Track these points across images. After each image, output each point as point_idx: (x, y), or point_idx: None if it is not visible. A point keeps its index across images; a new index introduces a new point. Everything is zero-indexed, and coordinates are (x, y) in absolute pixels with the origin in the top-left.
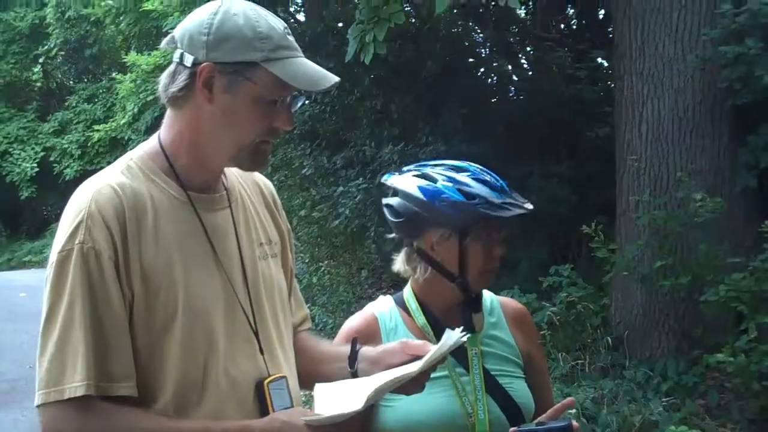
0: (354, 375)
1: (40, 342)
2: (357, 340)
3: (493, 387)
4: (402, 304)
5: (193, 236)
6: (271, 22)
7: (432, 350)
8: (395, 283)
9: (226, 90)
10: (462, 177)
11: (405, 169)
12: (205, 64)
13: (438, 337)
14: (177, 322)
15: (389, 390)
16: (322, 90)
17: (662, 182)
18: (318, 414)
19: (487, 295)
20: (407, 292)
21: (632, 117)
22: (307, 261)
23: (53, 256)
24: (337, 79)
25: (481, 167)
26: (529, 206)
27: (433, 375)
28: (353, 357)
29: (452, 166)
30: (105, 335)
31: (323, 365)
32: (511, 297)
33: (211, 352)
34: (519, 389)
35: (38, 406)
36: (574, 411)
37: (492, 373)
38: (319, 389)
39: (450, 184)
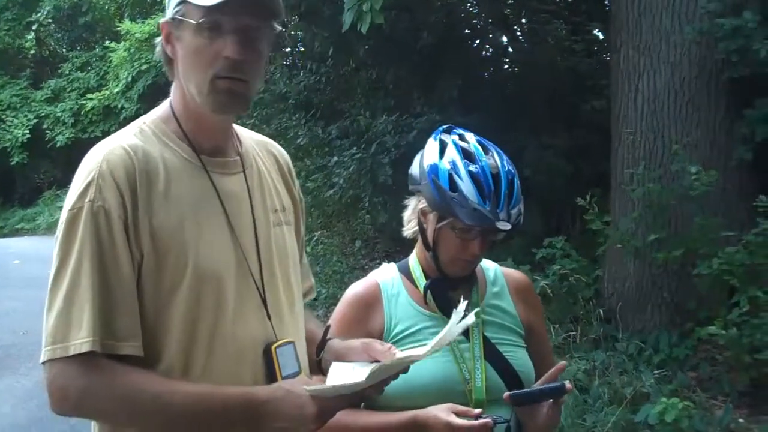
0: (318, 363)
1: (48, 299)
2: (329, 329)
3: (492, 355)
4: (406, 272)
5: (205, 199)
6: None
7: (441, 333)
8: (388, 254)
9: (177, 38)
10: (463, 165)
11: (456, 131)
12: (161, 22)
13: (438, 303)
14: (186, 283)
15: (396, 370)
16: (231, 5)
17: (657, 155)
18: (322, 385)
19: (491, 266)
20: (412, 259)
21: (628, 90)
22: None
23: (63, 214)
24: None
25: (502, 165)
26: (503, 227)
27: None
28: (321, 346)
29: (468, 152)
30: (112, 294)
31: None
32: (521, 272)
33: (220, 315)
34: (519, 358)
35: (43, 363)
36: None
37: (492, 341)
38: (335, 367)
39: (448, 167)
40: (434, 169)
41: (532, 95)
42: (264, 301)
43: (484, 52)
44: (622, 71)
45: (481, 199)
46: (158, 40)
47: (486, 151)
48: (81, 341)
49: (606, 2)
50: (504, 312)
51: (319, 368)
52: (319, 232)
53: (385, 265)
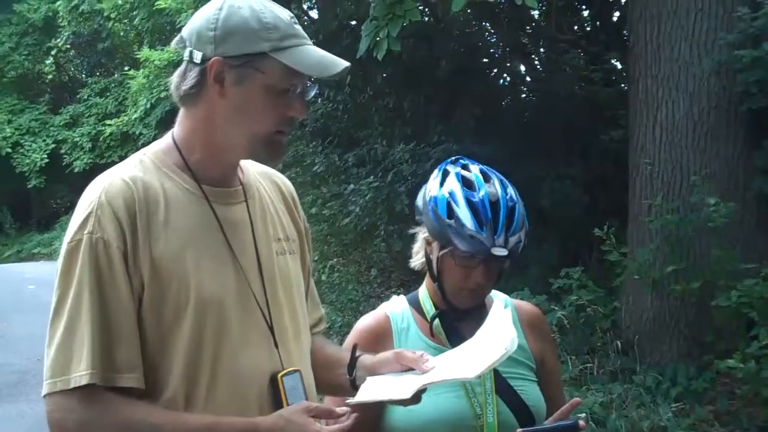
0: (353, 383)
1: (49, 332)
2: (357, 347)
3: (504, 389)
4: (416, 304)
5: (206, 229)
6: (277, 12)
7: (491, 359)
8: (404, 282)
9: (236, 83)
10: (461, 193)
11: (466, 161)
12: (214, 59)
13: (447, 335)
14: (188, 313)
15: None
16: (332, 76)
17: (675, 186)
18: (361, 398)
19: (502, 298)
20: (422, 291)
21: (646, 120)
22: (316, 259)
23: (63, 246)
24: (347, 63)
25: (495, 195)
26: (499, 252)
27: None
28: (352, 364)
29: (469, 180)
30: (112, 326)
31: (326, 369)
32: (521, 299)
33: (223, 344)
34: (531, 392)
35: (45, 396)
36: (583, 415)
37: (504, 375)
38: (369, 381)
39: (446, 196)
40: (434, 198)
41: (550, 125)
42: (271, 329)
43: (501, 81)
44: (640, 101)
45: (477, 225)
46: (182, 68)
47: (487, 179)
48: (81, 374)
49: (624, 32)
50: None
51: (354, 387)
52: (335, 260)
53: (395, 297)
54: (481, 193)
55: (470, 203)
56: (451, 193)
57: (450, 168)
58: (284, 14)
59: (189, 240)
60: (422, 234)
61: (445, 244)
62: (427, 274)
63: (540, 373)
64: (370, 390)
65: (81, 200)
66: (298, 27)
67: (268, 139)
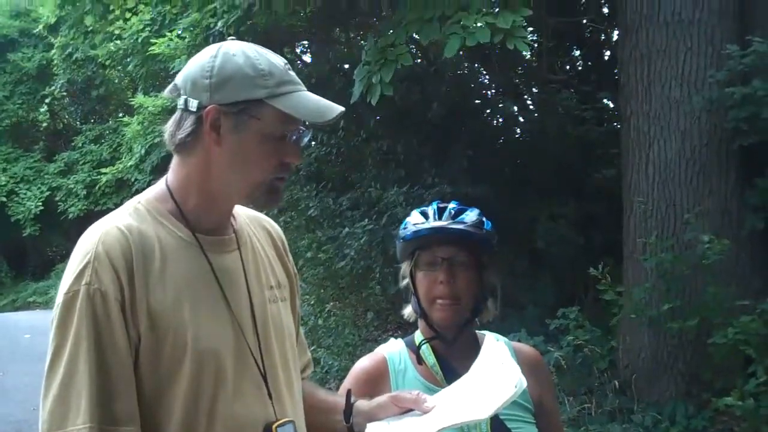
0: (350, 429)
1: (44, 383)
2: (351, 393)
3: (500, 431)
4: (412, 346)
5: (201, 278)
6: (271, 58)
7: (502, 398)
8: (401, 326)
9: (233, 130)
10: (415, 210)
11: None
12: (210, 106)
13: (448, 378)
14: (185, 364)
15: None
16: (328, 121)
17: (669, 224)
18: None
19: (501, 338)
20: (417, 334)
21: (639, 158)
22: (312, 303)
23: (59, 297)
24: (342, 108)
25: (445, 204)
26: (442, 224)
27: None
28: (348, 411)
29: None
30: (110, 378)
31: (321, 415)
32: (518, 340)
33: (219, 395)
34: None
35: None
36: None
37: (501, 417)
38: (371, 427)
39: (406, 219)
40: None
41: (543, 165)
42: (264, 379)
43: (494, 122)
44: (632, 140)
45: (424, 217)
46: (176, 116)
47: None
48: (79, 428)
49: (615, 71)
50: None
51: None
52: (331, 304)
53: (392, 340)
54: (433, 205)
55: (420, 211)
56: (409, 216)
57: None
58: (278, 61)
59: (185, 290)
60: (405, 277)
61: (407, 254)
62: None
63: (538, 414)
64: None
65: (76, 250)
66: (292, 73)
67: (268, 185)
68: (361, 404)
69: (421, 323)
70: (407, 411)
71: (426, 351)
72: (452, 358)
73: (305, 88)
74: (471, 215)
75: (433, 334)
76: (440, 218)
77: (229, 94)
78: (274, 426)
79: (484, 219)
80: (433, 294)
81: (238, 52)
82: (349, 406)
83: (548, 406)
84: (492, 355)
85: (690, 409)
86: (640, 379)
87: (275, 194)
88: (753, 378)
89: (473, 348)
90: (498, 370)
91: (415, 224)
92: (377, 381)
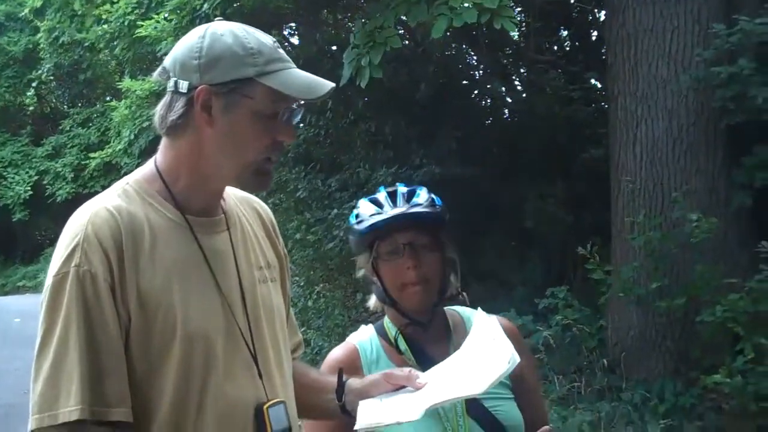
0: (342, 407)
1: (35, 366)
2: (342, 371)
3: (476, 410)
4: (383, 333)
5: (191, 259)
6: (260, 37)
7: (496, 372)
8: None
9: (225, 110)
10: (363, 200)
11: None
12: (200, 87)
13: (420, 361)
14: (175, 345)
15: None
16: (320, 97)
17: (657, 203)
18: (365, 423)
19: (471, 314)
20: (386, 319)
21: (626, 138)
22: (302, 284)
23: (49, 279)
24: (332, 84)
25: (395, 186)
26: (400, 211)
27: None
28: (340, 389)
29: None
30: (100, 359)
31: (313, 395)
32: (508, 319)
33: (209, 376)
34: (506, 411)
35: (32, 431)
36: None
37: (477, 398)
38: (364, 404)
39: (355, 210)
40: (348, 221)
41: (531, 145)
42: (255, 359)
43: (482, 103)
44: (619, 120)
45: (377, 207)
46: (166, 99)
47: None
48: (70, 409)
49: (602, 51)
50: None
51: (344, 412)
52: (320, 285)
53: (363, 327)
54: (382, 191)
55: (370, 199)
56: (357, 206)
57: None
58: (267, 39)
59: (174, 272)
60: (362, 263)
61: (368, 247)
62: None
63: (519, 390)
64: (371, 413)
65: (65, 231)
66: (282, 51)
67: (258, 166)
68: (353, 382)
69: (390, 312)
70: (400, 388)
71: (397, 336)
72: (425, 342)
73: (295, 66)
74: (422, 195)
75: (407, 321)
76: (395, 204)
77: (219, 73)
78: (265, 407)
79: (433, 196)
80: (402, 281)
81: (226, 31)
82: (341, 385)
83: (529, 380)
84: (484, 330)
85: (678, 387)
86: (628, 358)
87: (265, 176)
88: (741, 355)
89: (444, 328)
90: (491, 346)
91: (371, 215)
92: (350, 371)
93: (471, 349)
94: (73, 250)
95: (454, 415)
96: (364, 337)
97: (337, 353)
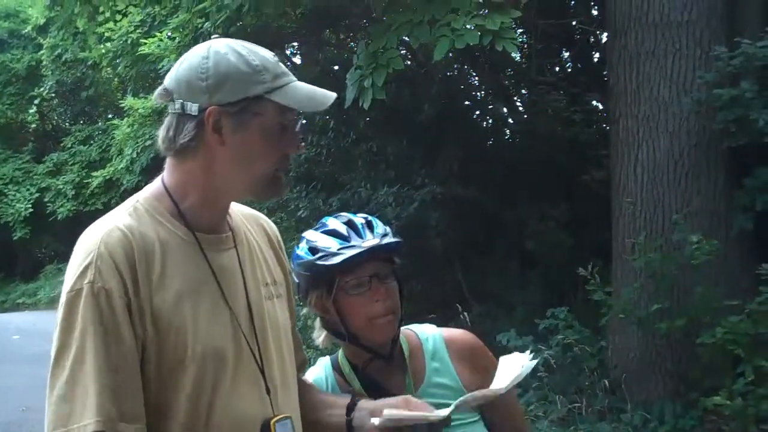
0: (349, 423)
1: (49, 382)
2: (355, 392)
3: None
4: (338, 367)
5: (201, 277)
6: (261, 53)
7: (515, 373)
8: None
9: (235, 129)
10: (314, 233)
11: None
12: (210, 108)
13: (377, 398)
14: (186, 363)
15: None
16: (324, 108)
17: (658, 225)
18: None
19: (431, 333)
20: (340, 354)
21: (627, 159)
22: (302, 304)
23: (63, 296)
24: (334, 95)
25: (346, 217)
26: (373, 243)
27: None
28: (351, 406)
29: (324, 222)
30: (116, 375)
31: (316, 412)
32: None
33: (218, 393)
34: None
35: None
36: None
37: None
38: (388, 412)
39: (304, 244)
40: (295, 257)
41: (533, 166)
42: (263, 375)
43: (484, 124)
44: (621, 141)
45: (340, 239)
46: (171, 121)
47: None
48: (85, 423)
49: (604, 73)
50: (447, 389)
51: (350, 428)
52: None
53: (320, 359)
54: (330, 222)
55: (326, 232)
56: (306, 240)
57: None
58: (268, 54)
59: (185, 290)
60: (310, 308)
61: (329, 285)
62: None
63: (487, 405)
64: (395, 412)
65: (78, 249)
66: (282, 65)
67: (270, 178)
68: (365, 402)
69: (349, 348)
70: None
71: (350, 374)
72: (381, 375)
73: (296, 79)
74: (380, 225)
75: (369, 355)
76: (360, 236)
77: (228, 93)
78: (272, 422)
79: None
80: (370, 314)
81: (227, 50)
82: (353, 401)
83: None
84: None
85: (678, 409)
86: (629, 379)
87: (278, 185)
88: (741, 377)
89: (401, 356)
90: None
91: (340, 249)
92: None
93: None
94: (87, 268)
95: None
96: (319, 373)
97: None
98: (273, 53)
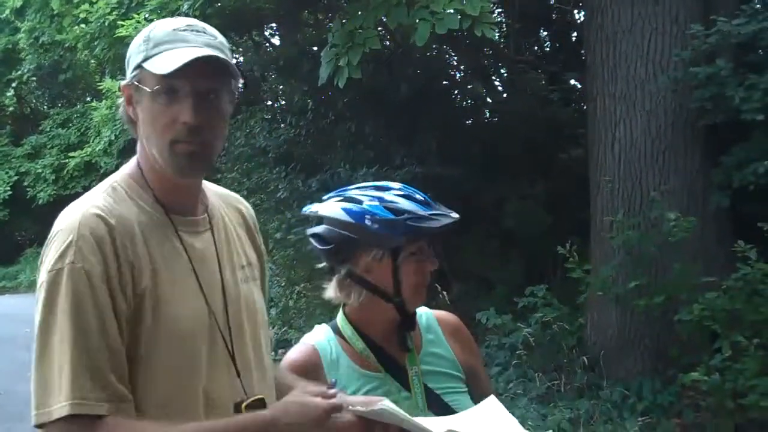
0: None
1: (33, 361)
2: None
3: (437, 405)
4: (339, 332)
5: (176, 260)
6: (168, 24)
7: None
8: None
9: (137, 101)
10: (388, 195)
11: (327, 196)
12: (122, 85)
13: (380, 360)
14: (160, 346)
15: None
16: (181, 65)
17: (635, 202)
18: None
19: (422, 311)
20: (340, 319)
21: (605, 138)
22: (283, 284)
23: (42, 276)
24: (205, 52)
25: (403, 185)
26: (455, 215)
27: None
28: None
29: (375, 186)
30: (94, 355)
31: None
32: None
33: (191, 376)
34: (464, 405)
35: (37, 426)
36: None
37: (436, 391)
38: (387, 402)
39: (377, 203)
40: (364, 212)
41: (512, 145)
42: (233, 358)
43: (463, 103)
44: (598, 120)
45: (422, 206)
46: (120, 101)
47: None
48: (61, 405)
49: (582, 52)
50: (442, 358)
51: None
52: (302, 285)
53: (317, 327)
54: (390, 193)
55: (401, 195)
56: (378, 199)
57: (320, 205)
58: (178, 24)
59: (160, 272)
60: (354, 267)
61: (404, 243)
62: (348, 305)
63: (470, 380)
64: (391, 406)
65: (57, 230)
66: (187, 34)
67: (171, 149)
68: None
69: (351, 309)
70: None
71: (353, 336)
72: (383, 341)
73: (196, 45)
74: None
75: (401, 320)
76: (431, 206)
77: (130, 69)
78: (243, 405)
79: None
80: (421, 282)
81: (148, 27)
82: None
83: (477, 370)
84: (497, 414)
85: (657, 385)
86: (607, 356)
87: (189, 159)
88: (719, 353)
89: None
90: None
91: (433, 215)
92: (309, 373)
93: (481, 417)
94: (67, 248)
95: (416, 410)
96: (321, 338)
97: (294, 357)
98: (190, 23)
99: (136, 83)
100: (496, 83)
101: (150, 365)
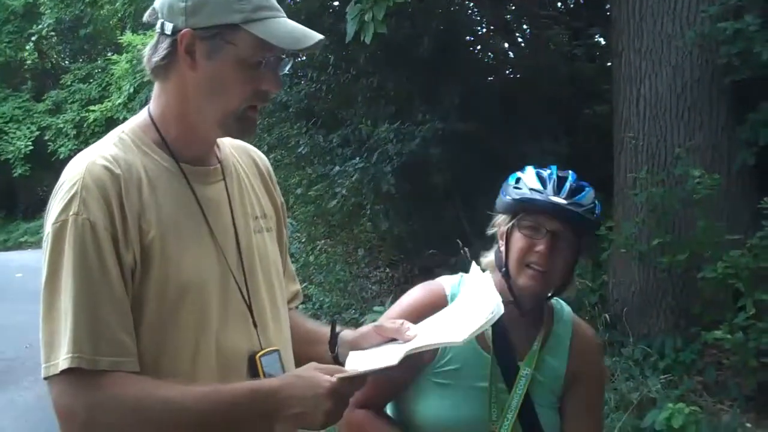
0: (335, 359)
1: (41, 314)
2: (336, 323)
3: (527, 411)
4: None
5: (186, 210)
6: None
7: (477, 324)
8: (392, 262)
9: (208, 56)
10: (531, 168)
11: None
12: (184, 30)
13: (496, 342)
14: (169, 296)
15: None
16: (306, 49)
17: (660, 159)
18: (348, 372)
19: (566, 311)
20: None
21: (630, 94)
22: (303, 240)
23: (47, 227)
24: (320, 37)
25: (566, 174)
26: (559, 201)
27: (473, 384)
28: (333, 341)
29: (537, 169)
30: (99, 308)
31: (308, 346)
32: (593, 332)
33: (203, 327)
34: (549, 417)
35: (45, 379)
36: None
37: (532, 398)
38: (352, 355)
39: (519, 173)
40: (506, 180)
41: (534, 101)
42: (249, 309)
43: (485, 59)
44: (623, 76)
45: (541, 184)
46: (154, 40)
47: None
48: (64, 357)
49: (607, 7)
50: (553, 373)
51: (336, 363)
52: (322, 241)
53: (456, 275)
54: (548, 171)
55: (538, 174)
56: (522, 171)
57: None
58: None
59: (170, 221)
60: (497, 228)
61: (510, 211)
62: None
63: (571, 395)
64: (357, 363)
65: (62, 181)
66: (274, 0)
67: (240, 114)
68: (346, 334)
69: (497, 277)
70: (391, 340)
71: None
72: (509, 322)
73: (284, 15)
74: (588, 196)
75: (511, 298)
76: (559, 192)
77: (204, 18)
78: (258, 356)
79: (596, 202)
80: (527, 259)
81: None
82: (334, 336)
83: (588, 390)
84: (476, 285)
85: (679, 343)
86: (630, 313)
87: (249, 123)
88: (742, 311)
89: (536, 322)
90: (479, 299)
91: (531, 189)
92: (431, 307)
93: (461, 303)
94: (72, 199)
95: (507, 406)
96: (454, 282)
97: (420, 295)
98: None
99: (222, 40)
100: (519, 39)
101: (158, 316)
